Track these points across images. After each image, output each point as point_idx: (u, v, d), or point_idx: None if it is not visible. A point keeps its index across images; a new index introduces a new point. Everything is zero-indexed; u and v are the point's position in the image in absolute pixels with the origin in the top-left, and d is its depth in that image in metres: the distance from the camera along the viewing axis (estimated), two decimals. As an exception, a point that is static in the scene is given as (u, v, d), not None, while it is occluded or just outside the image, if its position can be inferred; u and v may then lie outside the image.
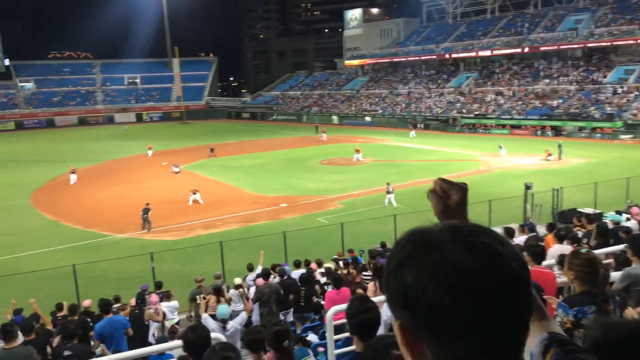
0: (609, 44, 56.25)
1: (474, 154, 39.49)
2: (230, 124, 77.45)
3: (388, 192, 24.76)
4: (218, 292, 9.46)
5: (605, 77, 54.29)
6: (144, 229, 22.08)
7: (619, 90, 50.98)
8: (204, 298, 9.84)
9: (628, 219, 11.48)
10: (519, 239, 11.00)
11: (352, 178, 31.68)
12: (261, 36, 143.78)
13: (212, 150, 42.00)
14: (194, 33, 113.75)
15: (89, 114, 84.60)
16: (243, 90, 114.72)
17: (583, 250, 3.88)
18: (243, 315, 7.05)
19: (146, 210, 22.18)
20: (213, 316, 7.23)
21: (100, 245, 20.43)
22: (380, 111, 69.07)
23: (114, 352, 6.83)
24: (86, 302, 10.77)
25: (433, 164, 35.80)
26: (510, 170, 32.61)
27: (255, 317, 10.30)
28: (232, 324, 6.68)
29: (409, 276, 0.84)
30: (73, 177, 32.74)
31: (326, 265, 12.16)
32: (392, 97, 71.55)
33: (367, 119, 67.76)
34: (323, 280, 10.87)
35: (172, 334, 8.70)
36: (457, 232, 0.86)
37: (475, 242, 0.84)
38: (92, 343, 7.87)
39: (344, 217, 21.78)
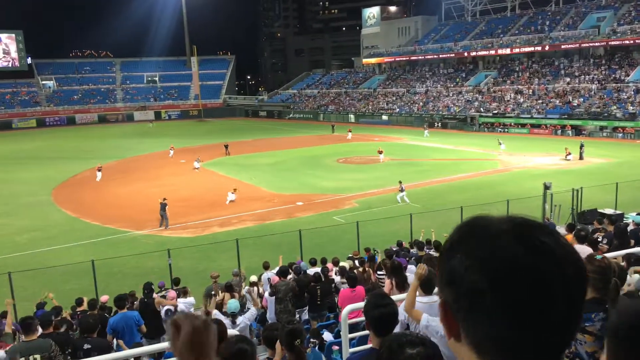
0: (631, 42, 55.13)
1: (492, 153, 39.09)
2: (247, 122, 77.92)
3: (401, 190, 24.77)
4: (230, 289, 9.51)
5: (627, 75, 53.27)
6: (162, 225, 22.31)
7: (642, 89, 49.96)
8: (215, 295, 9.91)
9: (650, 221, 11.25)
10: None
11: (368, 177, 31.60)
12: (278, 35, 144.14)
13: (226, 146, 42.30)
14: (212, 32, 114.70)
15: (109, 111, 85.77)
16: (260, 89, 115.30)
17: (598, 257, 3.83)
18: (253, 311, 7.09)
19: (163, 206, 22.36)
20: (225, 313, 7.29)
21: (119, 242, 20.70)
22: (397, 110, 68.73)
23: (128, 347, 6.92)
24: (103, 298, 10.94)
25: (450, 163, 35.53)
26: (529, 169, 32.20)
27: (271, 314, 10.34)
28: (242, 319, 6.73)
29: (457, 257, 0.87)
30: (99, 174, 32.94)
31: (342, 264, 12.15)
32: (410, 95, 71.14)
33: (384, 117, 67.50)
34: (337, 279, 10.86)
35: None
36: (517, 225, 0.86)
37: (532, 238, 0.84)
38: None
39: (360, 215, 21.73)
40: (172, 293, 10.09)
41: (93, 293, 13.59)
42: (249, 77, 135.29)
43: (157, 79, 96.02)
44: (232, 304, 6.61)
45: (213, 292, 9.92)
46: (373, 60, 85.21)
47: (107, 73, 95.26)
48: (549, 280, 0.81)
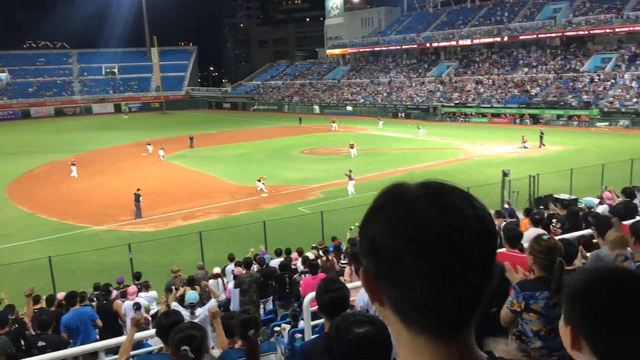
0: (586, 32, 57.00)
1: (454, 143, 39.83)
2: (210, 114, 76.84)
3: (350, 179, 24.78)
4: (192, 282, 9.43)
5: (582, 65, 55.09)
6: (136, 217, 22.22)
7: (596, 79, 51.80)
8: (176, 290, 9.79)
9: (600, 204, 11.71)
10: (496, 223, 11.15)
11: (333, 167, 31.68)
12: (241, 25, 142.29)
13: (191, 139, 41.63)
14: (172, 22, 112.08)
15: (66, 104, 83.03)
16: (223, 80, 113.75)
17: (545, 237, 3.95)
18: (212, 302, 7.05)
19: (137, 197, 22.30)
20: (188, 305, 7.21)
21: (79, 238, 20.15)
22: (361, 100, 69.12)
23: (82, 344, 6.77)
24: (60, 295, 10.63)
25: (413, 153, 36.03)
26: (489, 158, 32.98)
27: (236, 305, 10.30)
28: (201, 311, 6.67)
29: (376, 225, 0.87)
30: (74, 169, 31.29)
31: (306, 253, 12.19)
32: (374, 86, 71.62)
33: (349, 108, 67.78)
34: (301, 268, 10.89)
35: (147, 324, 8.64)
36: (432, 189, 0.88)
37: (445, 201, 0.85)
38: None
39: (324, 206, 21.78)
40: (132, 288, 9.90)
41: (51, 290, 13.20)
42: (211, 68, 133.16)
43: (116, 70, 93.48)
44: (191, 295, 6.55)
45: (174, 287, 9.78)
46: (337, 51, 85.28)
47: (63, 65, 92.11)
48: (462, 242, 0.82)
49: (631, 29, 53.53)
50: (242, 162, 35.05)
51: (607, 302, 1.16)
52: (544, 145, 35.64)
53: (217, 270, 11.46)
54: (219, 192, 26.64)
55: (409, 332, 0.87)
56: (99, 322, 8.14)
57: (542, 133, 36.41)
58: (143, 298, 9.77)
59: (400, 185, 0.91)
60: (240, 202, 24.68)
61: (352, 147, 35.04)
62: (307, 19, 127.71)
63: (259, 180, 26.46)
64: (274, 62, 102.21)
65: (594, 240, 6.22)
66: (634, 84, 48.63)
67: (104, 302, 9.58)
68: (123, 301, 9.59)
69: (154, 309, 10.70)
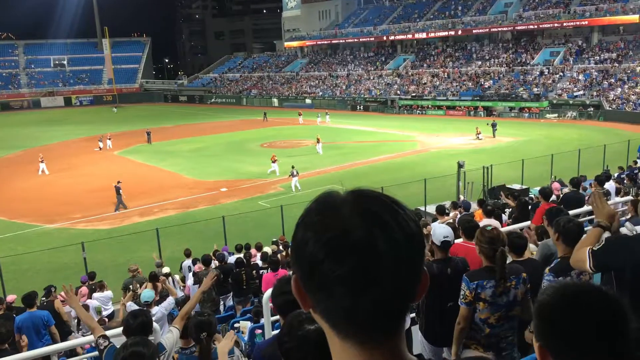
0: (536, 27, 58.94)
1: (411, 135, 40.50)
2: (166, 107, 75.10)
3: (292, 175, 24.39)
4: (155, 279, 9.26)
5: (533, 58, 56.97)
6: (117, 209, 22.12)
7: (545, 72, 53.70)
8: (133, 290, 9.59)
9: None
10: (452, 215, 11.44)
11: (293, 161, 31.59)
12: (197, 16, 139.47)
13: (148, 134, 40.62)
14: (124, 12, 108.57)
15: (12, 98, 79.30)
16: (179, 73, 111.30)
17: (489, 228, 4.10)
18: (170, 300, 6.94)
19: (117, 189, 22.24)
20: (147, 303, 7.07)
21: (29, 237, 19.41)
22: (320, 93, 69.19)
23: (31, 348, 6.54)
24: (10, 297, 10.21)
25: (372, 145, 36.41)
26: (445, 149, 33.71)
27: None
28: (158, 309, 6.56)
29: (301, 232, 0.89)
30: (42, 166, 30.05)
31: (265, 248, 12.15)
32: (332, 79, 71.79)
33: (308, 101, 67.72)
34: (261, 264, 10.86)
35: (102, 325, 8.42)
36: (354, 197, 0.90)
37: (366, 208, 0.87)
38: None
39: (285, 200, 21.79)
40: (84, 290, 9.63)
41: (0, 293, 12.68)
42: (166, 60, 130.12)
43: (65, 62, 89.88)
44: (146, 293, 6.42)
45: (131, 286, 9.58)
46: (295, 44, 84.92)
47: (8, 56, 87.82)
48: (379, 248, 0.83)
49: (578, 23, 55.74)
50: (200, 156, 34.52)
51: (572, 323, 1.21)
52: (495, 137, 36.74)
53: (166, 270, 11.28)
54: (177, 187, 26.17)
55: (338, 338, 0.89)
56: (54, 329, 7.83)
57: (495, 124, 37.51)
58: (97, 299, 9.52)
59: (328, 193, 0.93)
60: (198, 197, 24.33)
61: (318, 142, 33.77)
62: (264, 11, 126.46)
63: (274, 162, 27.11)
64: (231, 54, 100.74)
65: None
66: (581, 77, 50.71)
67: (44, 303, 9.22)
68: (63, 301, 9.24)
69: (110, 309, 10.46)
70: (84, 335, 7.97)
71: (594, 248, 2.88)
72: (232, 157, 33.70)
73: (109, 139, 38.99)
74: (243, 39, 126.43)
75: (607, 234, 3.11)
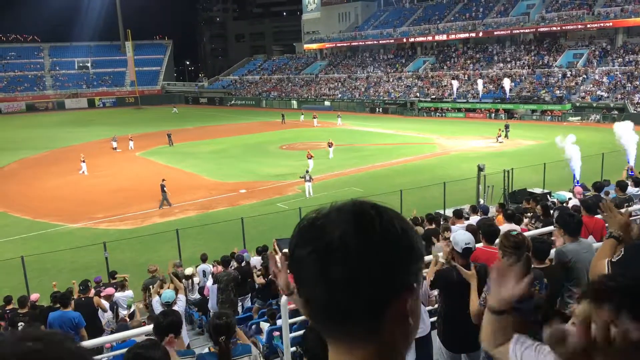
0: (558, 28, 58.03)
1: (431, 137, 40.21)
2: (187, 109, 75.89)
3: (306, 180, 23.77)
4: (177, 277, 9.37)
5: (555, 61, 56.10)
6: (162, 206, 22.77)
7: (568, 74, 52.84)
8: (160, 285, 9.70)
9: (570, 198, 11.99)
10: (472, 219, 11.32)
11: (307, 165, 31.69)
12: (217, 19, 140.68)
13: (169, 135, 41.07)
14: (147, 16, 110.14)
15: (38, 99, 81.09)
16: (200, 75, 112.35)
17: (514, 233, 4.05)
18: (181, 298, 6.95)
19: (162, 187, 22.90)
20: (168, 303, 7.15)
21: (53, 236, 19.78)
22: (339, 95, 69.18)
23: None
24: (34, 296, 10.42)
25: (391, 148, 36.25)
26: (465, 152, 33.40)
27: (213, 303, 10.27)
28: (176, 308, 6.61)
29: (293, 237, 0.95)
30: (84, 166, 30.82)
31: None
32: (351, 81, 71.73)
33: (327, 103, 67.78)
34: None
35: (123, 323, 8.54)
36: (348, 203, 0.94)
37: (352, 211, 0.91)
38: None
39: (303, 201, 21.87)
40: (109, 290, 9.78)
41: (24, 291, 12.95)
42: (187, 62, 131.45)
43: (89, 64, 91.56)
44: (167, 294, 6.48)
45: (151, 287, 9.69)
46: (314, 46, 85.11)
47: (34, 59, 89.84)
48: (359, 251, 0.87)
49: (602, 25, 54.73)
50: (219, 157, 34.80)
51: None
52: (508, 138, 36.55)
53: (189, 271, 11.39)
54: (197, 188, 26.42)
55: (329, 343, 0.95)
56: (83, 332, 7.92)
57: (507, 126, 37.69)
58: (118, 299, 9.66)
59: (317, 210, 0.97)
60: (218, 199, 24.52)
61: (330, 146, 33.06)
62: (284, 13, 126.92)
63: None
64: (251, 56, 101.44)
65: (552, 238, 6.37)
66: (604, 79, 49.77)
67: (82, 299, 9.41)
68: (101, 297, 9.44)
69: (131, 308, 10.59)
70: (112, 333, 8.08)
71: (612, 259, 2.82)
72: (251, 159, 33.89)
73: (131, 139, 39.56)
74: (263, 42, 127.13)
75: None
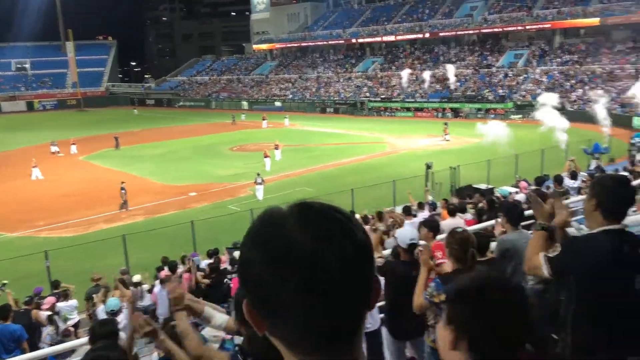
0: (500, 30, 60.31)
1: (381, 137, 40.84)
2: (133, 111, 73.66)
3: (257, 183, 23.46)
4: (123, 284, 9.09)
5: (497, 61, 58.25)
6: (123, 208, 22.53)
7: (510, 74, 54.97)
8: (105, 295, 9.38)
9: (517, 193, 12.48)
10: (421, 216, 11.59)
11: (263, 164, 31.51)
12: (164, 18, 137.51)
13: (116, 138, 39.77)
14: (89, 15, 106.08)
15: (-29, 102, 76.60)
16: (146, 76, 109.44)
17: (459, 230, 4.17)
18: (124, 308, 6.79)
19: (122, 189, 22.55)
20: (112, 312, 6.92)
21: (-11, 246, 18.73)
22: (290, 96, 69.13)
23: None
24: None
25: (342, 148, 36.54)
26: (414, 151, 34.11)
27: (164, 310, 10.02)
28: (123, 317, 6.42)
29: (244, 252, 0.86)
30: (36, 171, 29.55)
31: (235, 253, 12.04)
32: (302, 81, 71.84)
33: (277, 103, 67.56)
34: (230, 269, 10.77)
35: (66, 336, 8.18)
36: (301, 210, 0.87)
37: (312, 222, 0.84)
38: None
39: (255, 203, 21.70)
40: (50, 299, 9.36)
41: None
42: (133, 63, 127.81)
43: (27, 66, 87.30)
44: (112, 301, 6.26)
45: (94, 296, 9.36)
46: (264, 47, 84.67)
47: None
48: (329, 263, 0.81)
49: (540, 26, 57.29)
50: (168, 160, 34.05)
51: (486, 307, 1.31)
52: (447, 134, 37.85)
53: (137, 277, 11.08)
54: (145, 192, 25.71)
55: (296, 357, 0.86)
56: (26, 345, 7.52)
57: (446, 124, 39.01)
58: (61, 309, 9.26)
59: (271, 209, 0.90)
60: (167, 202, 23.97)
61: (277, 148, 32.29)
62: (233, 13, 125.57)
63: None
64: (199, 57, 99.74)
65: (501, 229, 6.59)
66: (544, 79, 52.08)
67: (21, 310, 8.94)
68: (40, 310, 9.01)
69: (75, 318, 10.19)
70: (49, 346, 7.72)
71: (549, 254, 2.88)
72: (201, 161, 33.34)
73: (73, 144, 38.04)
74: (212, 42, 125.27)
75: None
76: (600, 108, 23.94)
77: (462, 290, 1.39)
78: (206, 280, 9.61)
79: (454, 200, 12.45)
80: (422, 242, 6.20)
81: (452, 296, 1.42)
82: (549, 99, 20.64)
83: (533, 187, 12.93)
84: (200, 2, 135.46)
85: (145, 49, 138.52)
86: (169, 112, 70.88)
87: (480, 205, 11.87)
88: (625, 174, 13.78)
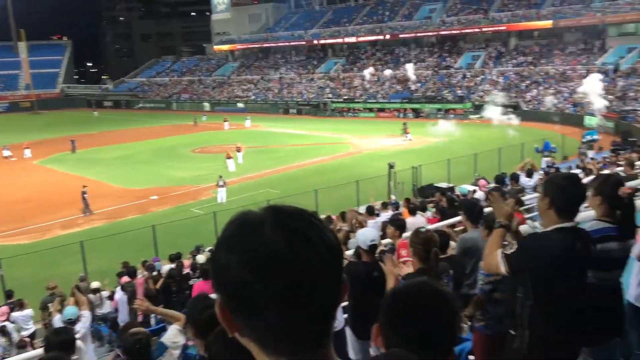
0: (458, 32, 61.72)
1: (344, 137, 41.10)
2: (90, 113, 71.61)
3: (219, 186, 23.23)
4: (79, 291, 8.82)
5: (455, 62, 59.57)
6: (86, 214, 22.01)
7: (468, 75, 56.31)
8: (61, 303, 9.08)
9: (475, 191, 12.79)
10: (384, 215, 11.72)
11: (225, 166, 31.20)
12: (121, 18, 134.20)
13: (72, 142, 38.53)
14: (42, 14, 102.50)
15: None
16: (104, 77, 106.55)
17: (422, 229, 4.24)
18: (86, 315, 6.58)
19: (83, 194, 22.03)
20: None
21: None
22: (252, 97, 68.71)
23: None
24: None
25: (306, 149, 36.58)
26: (376, 151, 34.48)
27: (124, 317, 9.81)
28: (80, 326, 6.25)
29: (222, 256, 0.87)
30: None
31: (197, 256, 11.88)
32: (264, 82, 71.51)
33: (240, 105, 67.00)
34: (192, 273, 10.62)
35: (22, 347, 7.90)
36: (276, 214, 0.89)
37: (288, 225, 0.87)
38: None
39: (218, 206, 21.47)
40: (3, 309, 9.00)
41: None
42: (90, 64, 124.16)
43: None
44: (68, 310, 6.07)
45: (50, 305, 9.06)
46: (225, 47, 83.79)
47: None
48: (309, 265, 0.84)
49: (496, 29, 58.93)
50: (128, 163, 33.25)
51: (400, 309, 1.47)
52: (407, 133, 38.51)
53: (96, 284, 10.79)
54: (104, 196, 25.02)
55: (268, 356, 0.88)
56: None
57: (405, 124, 39.86)
58: (16, 319, 8.93)
59: (245, 213, 0.92)
60: (127, 207, 23.42)
61: (239, 151, 31.52)
62: (193, 13, 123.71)
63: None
64: (159, 57, 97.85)
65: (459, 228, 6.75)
66: (500, 79, 53.59)
67: None
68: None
69: (31, 328, 9.84)
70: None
71: (506, 252, 2.94)
72: (163, 164, 32.73)
73: (27, 147, 36.67)
74: (172, 42, 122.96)
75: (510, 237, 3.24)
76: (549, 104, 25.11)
77: (395, 294, 1.52)
78: (156, 287, 9.44)
79: (418, 200, 12.66)
80: (385, 241, 6.29)
81: (386, 298, 1.55)
82: (497, 98, 21.45)
83: (492, 185, 13.31)
84: (159, 1, 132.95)
85: (102, 49, 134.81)
86: (128, 114, 69.21)
87: (440, 203, 12.13)
88: (577, 171, 14.35)
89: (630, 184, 6.70)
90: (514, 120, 22.49)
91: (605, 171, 11.93)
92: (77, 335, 5.70)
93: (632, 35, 49.20)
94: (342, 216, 11.27)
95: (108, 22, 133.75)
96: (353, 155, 33.85)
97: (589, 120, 38.70)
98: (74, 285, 10.71)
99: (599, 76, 37.84)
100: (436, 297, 1.46)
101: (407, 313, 1.42)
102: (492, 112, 22.14)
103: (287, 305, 0.82)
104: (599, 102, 35.18)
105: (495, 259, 2.96)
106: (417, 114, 52.57)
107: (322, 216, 13.99)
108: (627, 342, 4.24)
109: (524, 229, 3.68)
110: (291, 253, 0.83)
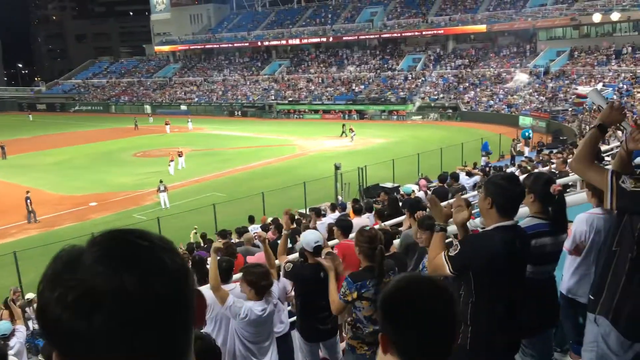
0: (399, 35, 63.19)
1: (290, 139, 41.11)
2: (22, 116, 67.90)
3: (160, 191, 22.70)
4: (7, 307, 8.34)
5: (397, 64, 60.96)
6: (31, 221, 21.38)
7: (409, 77, 57.76)
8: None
9: (416, 190, 13.14)
10: (331, 217, 11.83)
11: (167, 170, 30.46)
12: (54, 18, 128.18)
13: (2, 147, 36.39)
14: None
15: None
16: (36, 79, 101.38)
17: (367, 228, 4.32)
18: (20, 330, 6.23)
19: (27, 200, 21.39)
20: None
21: None
22: (196, 99, 67.45)
23: None
24: None
25: (251, 151, 36.31)
26: (322, 152, 34.74)
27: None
28: (15, 341, 5.92)
29: (41, 296, 0.78)
30: None
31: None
32: (208, 84, 70.38)
33: (183, 107, 65.60)
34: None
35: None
36: (98, 243, 0.81)
37: (112, 253, 0.79)
38: None
39: (162, 211, 20.95)
40: None
41: None
42: (20, 65, 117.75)
43: None
44: (2, 325, 5.74)
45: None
46: (166, 48, 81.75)
47: None
48: (132, 293, 0.75)
49: (435, 32, 60.81)
50: (64, 169, 31.79)
51: (406, 310, 1.39)
52: (346, 136, 39.29)
53: (30, 296, 10.27)
54: (39, 204, 23.66)
55: None
56: None
57: (344, 125, 41.06)
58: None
59: (69, 246, 0.83)
60: (64, 214, 22.40)
61: (180, 156, 30.50)
62: (131, 13, 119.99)
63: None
64: (95, 58, 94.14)
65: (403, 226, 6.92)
66: (439, 82, 55.34)
67: None
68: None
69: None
70: None
71: (450, 253, 3.01)
72: (102, 169, 31.52)
73: None
74: (109, 43, 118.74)
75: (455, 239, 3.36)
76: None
77: (383, 297, 1.47)
78: None
79: (364, 200, 12.87)
80: (333, 242, 6.36)
81: (379, 304, 1.49)
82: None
83: (435, 184, 13.74)
84: (94, 1, 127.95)
85: (34, 50, 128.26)
86: (63, 117, 66.15)
87: (385, 203, 12.38)
88: (513, 169, 15.05)
89: (560, 181, 7.11)
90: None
91: (539, 169, 12.60)
92: (11, 352, 5.40)
93: (561, 40, 52.13)
94: (317, 212, 11.54)
95: (40, 22, 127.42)
96: (299, 157, 33.93)
97: (523, 120, 40.72)
98: (8, 298, 10.17)
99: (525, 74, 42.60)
100: (426, 286, 1.45)
101: (407, 310, 1.38)
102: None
103: (116, 341, 0.74)
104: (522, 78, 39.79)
105: (440, 261, 3.03)
106: (361, 115, 53.36)
107: (269, 219, 13.96)
108: (562, 332, 4.51)
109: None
110: (115, 283, 0.74)
